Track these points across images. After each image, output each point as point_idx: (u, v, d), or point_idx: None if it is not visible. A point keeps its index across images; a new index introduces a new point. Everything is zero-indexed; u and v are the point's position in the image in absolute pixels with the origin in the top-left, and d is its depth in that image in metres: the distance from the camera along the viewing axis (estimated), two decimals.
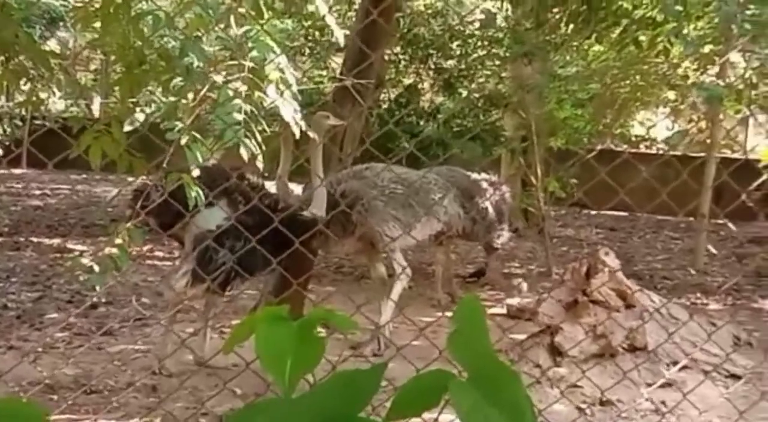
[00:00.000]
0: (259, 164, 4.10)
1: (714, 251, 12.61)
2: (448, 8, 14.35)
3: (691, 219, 13.50)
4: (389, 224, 7.54)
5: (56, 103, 17.45)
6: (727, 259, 12.88)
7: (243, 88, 3.88)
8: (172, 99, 4.03)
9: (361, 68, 7.61)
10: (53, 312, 8.11)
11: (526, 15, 10.98)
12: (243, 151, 3.82)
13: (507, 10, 13.68)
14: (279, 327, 1.60)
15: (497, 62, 13.72)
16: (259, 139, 3.94)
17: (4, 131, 18.46)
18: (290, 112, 4.05)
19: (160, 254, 10.49)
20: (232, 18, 3.96)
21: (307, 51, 13.74)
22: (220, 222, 6.25)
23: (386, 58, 12.04)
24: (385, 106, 13.25)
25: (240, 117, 3.81)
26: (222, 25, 4.18)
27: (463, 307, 1.60)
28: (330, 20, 4.19)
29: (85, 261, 3.83)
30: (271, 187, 6.81)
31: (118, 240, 3.91)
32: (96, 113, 18.28)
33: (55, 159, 3.96)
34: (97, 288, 3.88)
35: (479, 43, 13.83)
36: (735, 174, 4.90)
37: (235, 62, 4.02)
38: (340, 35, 4.21)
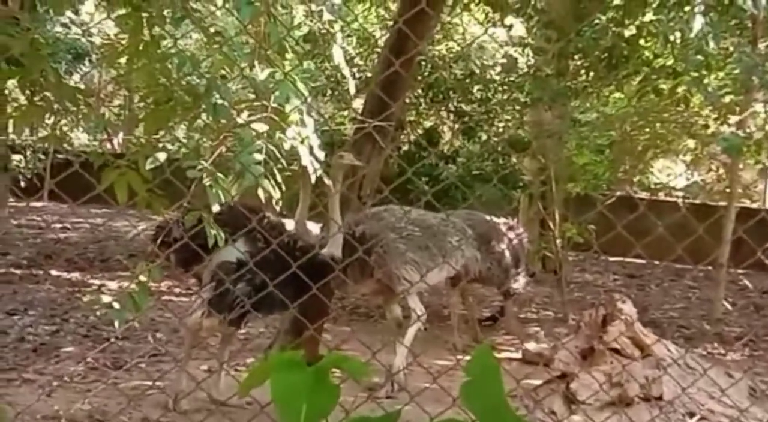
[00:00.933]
0: (278, 205, 4.12)
1: (726, 305, 12.51)
2: (470, 53, 14.43)
3: (710, 268, 13.43)
4: (407, 267, 7.54)
5: (79, 138, 17.65)
6: (745, 309, 12.80)
7: (264, 129, 3.92)
8: (195, 137, 4.08)
9: (381, 111, 7.68)
10: (70, 346, 8.14)
11: (547, 62, 11.04)
12: (261, 192, 3.86)
13: (528, 55, 13.77)
14: (294, 373, 1.62)
15: (517, 107, 13.76)
16: (279, 179, 3.97)
17: (27, 164, 18.68)
18: (307, 155, 4.09)
19: (178, 290, 10.53)
20: (255, 60, 4.03)
21: (329, 92, 13.81)
22: (239, 257, 6.28)
23: (407, 100, 12.12)
24: (405, 148, 13.30)
25: (260, 157, 3.85)
26: (246, 66, 4.25)
27: (477, 357, 1.61)
28: (345, 70, 4.25)
29: (105, 298, 3.86)
30: (290, 225, 6.84)
31: (140, 278, 3.94)
32: (117, 148, 18.43)
33: (83, 198, 4.01)
34: (116, 325, 3.90)
35: (500, 88, 13.89)
36: (754, 226, 4.90)
37: (258, 103, 4.07)
38: (351, 85, 4.28)
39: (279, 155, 3.98)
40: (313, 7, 4.31)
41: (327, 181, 5.48)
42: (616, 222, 4.37)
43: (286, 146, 4.00)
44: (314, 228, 7.57)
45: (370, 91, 8.25)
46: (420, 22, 7.89)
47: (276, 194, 3.92)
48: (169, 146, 4.21)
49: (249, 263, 5.89)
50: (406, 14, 7.81)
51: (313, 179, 4.51)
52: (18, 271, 11.73)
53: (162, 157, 4.00)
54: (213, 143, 4.17)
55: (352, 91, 4.35)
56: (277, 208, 4.30)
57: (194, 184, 3.90)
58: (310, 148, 4.12)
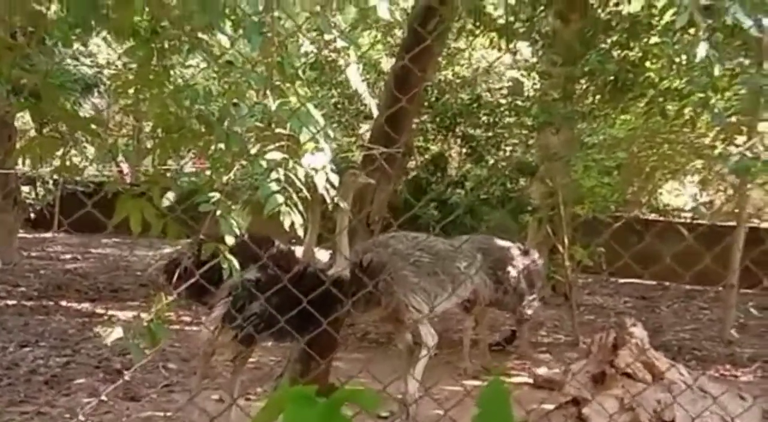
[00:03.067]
0: (299, 231, 4.12)
1: (733, 333, 12.46)
2: (476, 78, 14.50)
3: (720, 289, 13.39)
4: (415, 295, 7.50)
5: (88, 168, 17.72)
6: (756, 330, 12.75)
7: (280, 157, 3.94)
8: (207, 173, 4.11)
9: (388, 137, 7.71)
10: (81, 378, 8.14)
11: (553, 85, 11.07)
12: (285, 221, 3.85)
13: (534, 78, 13.82)
14: (306, 407, 1.62)
15: (524, 131, 13.80)
16: (300, 207, 3.98)
17: (37, 195, 18.75)
18: (323, 182, 4.10)
19: (187, 319, 10.53)
20: (267, 89, 4.06)
21: (336, 118, 13.88)
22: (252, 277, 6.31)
23: (414, 126, 12.16)
24: (413, 173, 13.34)
25: (278, 187, 3.86)
26: (258, 94, 4.29)
27: (489, 389, 1.62)
28: (364, 92, 4.26)
29: (120, 331, 3.87)
30: (299, 252, 6.86)
31: (155, 311, 3.95)
32: (127, 178, 18.52)
33: (93, 229, 4.02)
34: (134, 359, 3.91)
35: (507, 112, 13.93)
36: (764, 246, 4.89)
37: (272, 131, 4.09)
38: (373, 105, 4.28)
39: (298, 182, 3.99)
40: (326, 36, 4.34)
41: (342, 204, 5.48)
42: (625, 246, 4.37)
43: (301, 173, 4.00)
44: (323, 255, 7.58)
45: (377, 117, 8.27)
46: (425, 50, 7.92)
47: (298, 221, 3.92)
48: (184, 178, 4.24)
49: (263, 283, 5.91)
50: (411, 42, 7.86)
51: (329, 201, 4.50)
52: (29, 303, 11.76)
53: (171, 195, 4.02)
54: (224, 172, 4.19)
55: (375, 111, 4.34)
56: (302, 236, 4.31)
57: (209, 216, 3.91)
58: (326, 175, 4.14)
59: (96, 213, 3.88)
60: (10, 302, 11.76)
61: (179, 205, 4.04)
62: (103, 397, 7.48)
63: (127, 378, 7.66)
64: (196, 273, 5.16)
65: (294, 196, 3.90)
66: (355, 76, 4.16)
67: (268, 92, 4.10)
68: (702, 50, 4.30)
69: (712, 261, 5.28)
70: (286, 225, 3.87)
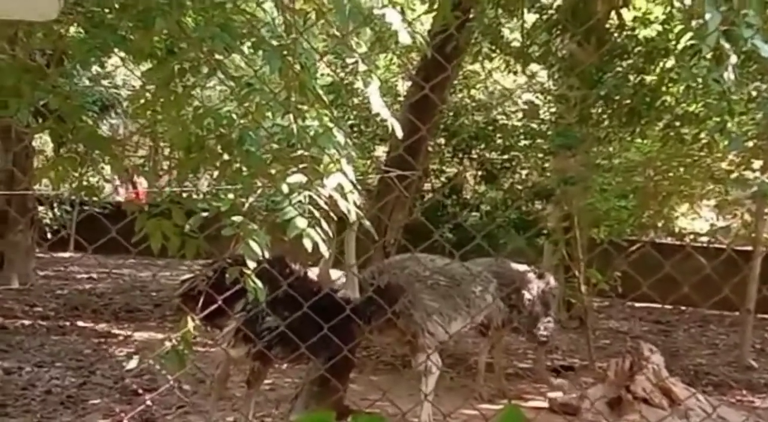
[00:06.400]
0: (325, 253, 4.11)
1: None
2: (492, 101, 14.53)
3: (737, 313, 13.31)
4: (432, 319, 7.48)
5: (105, 188, 17.81)
6: None
7: (303, 179, 3.95)
8: (230, 195, 4.14)
9: (404, 160, 7.74)
10: (97, 398, 8.15)
11: (569, 109, 11.08)
12: (307, 243, 3.85)
13: (550, 101, 13.83)
14: None
15: (540, 154, 13.79)
16: (326, 227, 3.98)
17: (54, 216, 18.84)
18: (345, 203, 4.10)
19: (201, 340, 10.52)
20: (287, 110, 4.08)
21: (352, 141, 13.92)
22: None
23: (430, 149, 12.18)
24: (428, 196, 13.36)
25: (299, 210, 3.87)
26: (272, 115, 4.32)
27: (506, 415, 1.62)
28: (386, 114, 4.26)
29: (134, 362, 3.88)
30: (313, 274, 6.88)
31: (181, 335, 3.98)
32: (143, 198, 18.58)
33: (134, 252, 4.04)
34: (168, 376, 3.93)
35: (522, 135, 13.95)
36: None
37: (295, 153, 4.10)
38: (398, 127, 4.28)
39: (322, 203, 3.99)
40: (348, 59, 4.35)
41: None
42: (641, 270, 4.36)
43: (324, 193, 4.00)
44: (339, 276, 7.57)
45: (393, 140, 8.30)
46: (442, 73, 7.97)
47: (321, 244, 3.91)
48: (204, 205, 4.27)
49: (279, 300, 5.93)
50: (428, 66, 7.90)
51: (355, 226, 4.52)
52: (45, 323, 11.79)
53: (194, 220, 4.05)
54: (246, 194, 4.22)
55: (399, 133, 4.32)
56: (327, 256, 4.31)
57: (233, 241, 3.93)
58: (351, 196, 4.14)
59: (115, 234, 3.90)
60: (26, 322, 11.80)
61: (195, 226, 4.06)
62: (119, 418, 7.49)
63: (148, 402, 7.66)
64: (214, 296, 5.19)
65: (318, 217, 3.90)
66: (376, 97, 4.17)
67: (289, 115, 4.12)
68: (729, 75, 4.31)
69: (729, 286, 5.26)
70: (308, 247, 3.86)
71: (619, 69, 10.55)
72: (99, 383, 8.71)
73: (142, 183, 20.85)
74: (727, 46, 4.19)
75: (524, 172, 14.46)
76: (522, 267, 9.56)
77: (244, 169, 4.20)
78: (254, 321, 6.34)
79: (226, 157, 4.30)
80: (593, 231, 12.16)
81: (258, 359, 6.56)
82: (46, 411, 7.71)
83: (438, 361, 7.54)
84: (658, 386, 6.86)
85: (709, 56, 4.45)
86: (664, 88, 10.35)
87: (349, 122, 13.89)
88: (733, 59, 4.33)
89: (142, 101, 4.59)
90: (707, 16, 4.01)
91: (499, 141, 14.16)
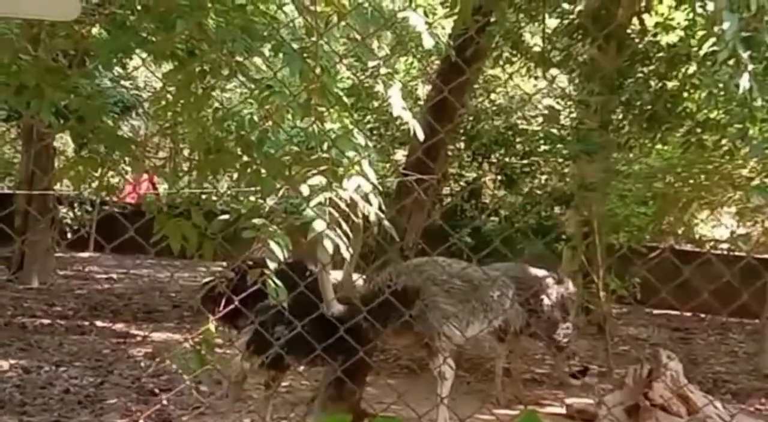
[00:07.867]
0: (346, 255, 4.10)
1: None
2: (512, 105, 14.50)
3: (757, 321, 13.23)
4: (448, 323, 7.45)
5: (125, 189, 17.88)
6: None
7: (323, 181, 3.95)
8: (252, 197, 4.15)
9: (423, 164, 7.73)
10: (114, 398, 8.18)
11: (590, 114, 11.03)
12: (328, 245, 3.84)
13: (570, 106, 13.79)
14: None
15: (560, 159, 13.75)
16: (346, 230, 3.97)
17: (74, 215, 18.94)
18: (366, 206, 4.09)
19: (219, 341, 10.54)
20: (308, 113, 4.09)
21: (372, 144, 13.93)
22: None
23: (450, 153, 12.17)
24: (447, 200, 13.35)
25: (319, 212, 3.86)
26: (293, 117, 4.32)
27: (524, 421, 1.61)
28: (407, 117, 4.25)
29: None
30: (336, 277, 6.85)
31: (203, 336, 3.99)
32: (163, 199, 18.64)
33: (152, 252, 4.06)
34: (185, 376, 3.96)
35: (542, 140, 13.91)
36: None
37: (315, 155, 4.10)
38: (419, 130, 4.27)
39: (344, 206, 3.98)
40: (369, 63, 4.36)
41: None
42: (660, 276, 4.34)
43: (345, 196, 4.00)
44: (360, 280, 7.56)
45: (412, 143, 8.30)
46: (461, 77, 7.96)
47: (342, 246, 3.90)
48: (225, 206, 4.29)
49: (291, 307, 5.94)
50: (448, 70, 7.89)
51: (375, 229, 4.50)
52: (64, 322, 11.84)
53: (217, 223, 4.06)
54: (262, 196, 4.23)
55: (421, 136, 4.30)
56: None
57: (255, 242, 3.94)
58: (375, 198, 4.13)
59: (135, 235, 3.91)
60: (45, 321, 11.85)
61: (216, 229, 4.07)
62: (136, 418, 7.52)
63: (164, 402, 7.68)
64: (232, 298, 5.19)
65: (339, 219, 3.89)
66: (397, 99, 4.16)
67: (309, 117, 4.13)
68: (745, 82, 4.28)
69: (749, 294, 5.22)
70: (330, 249, 3.85)
71: (641, 74, 10.52)
72: (117, 383, 8.74)
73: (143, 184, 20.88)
74: (743, 53, 4.17)
75: (544, 177, 14.43)
76: (541, 273, 9.52)
77: (264, 171, 4.21)
78: (264, 332, 6.33)
79: (245, 158, 4.31)
80: (613, 237, 12.10)
81: (272, 368, 6.56)
82: (64, 410, 7.74)
83: (452, 365, 7.51)
84: (676, 393, 6.81)
85: (730, 63, 4.43)
86: (685, 94, 10.32)
87: (369, 125, 13.90)
88: (750, 66, 4.30)
89: (163, 102, 4.62)
90: (725, 24, 3.99)
91: (519, 146, 14.14)
